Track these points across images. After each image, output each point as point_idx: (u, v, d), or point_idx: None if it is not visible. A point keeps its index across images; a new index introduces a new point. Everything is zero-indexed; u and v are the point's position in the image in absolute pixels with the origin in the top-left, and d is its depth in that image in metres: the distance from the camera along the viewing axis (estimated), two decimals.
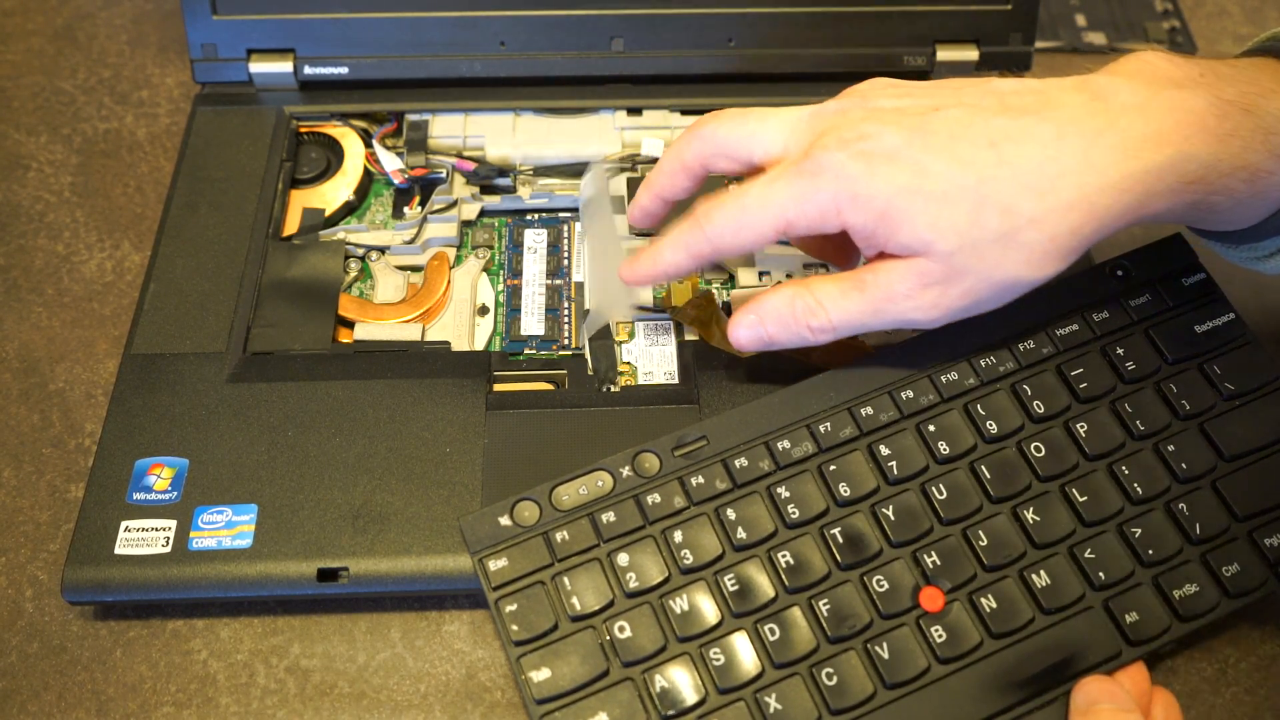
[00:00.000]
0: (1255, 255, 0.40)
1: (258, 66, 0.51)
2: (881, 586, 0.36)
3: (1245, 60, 0.38)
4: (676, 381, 0.43)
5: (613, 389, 0.43)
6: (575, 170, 0.50)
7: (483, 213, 0.49)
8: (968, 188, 0.35)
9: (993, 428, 0.39)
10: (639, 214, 0.43)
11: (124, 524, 0.39)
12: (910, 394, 0.40)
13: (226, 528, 0.39)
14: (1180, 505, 0.38)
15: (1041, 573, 0.37)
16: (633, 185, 0.49)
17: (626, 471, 0.38)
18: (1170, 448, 0.39)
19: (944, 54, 0.52)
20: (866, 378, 0.40)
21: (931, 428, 0.39)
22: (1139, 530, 0.38)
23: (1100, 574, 0.37)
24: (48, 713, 0.38)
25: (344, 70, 0.51)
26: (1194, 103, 0.35)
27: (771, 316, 0.38)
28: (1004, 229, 0.35)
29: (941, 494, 0.38)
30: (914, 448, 0.39)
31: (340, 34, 0.51)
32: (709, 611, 0.36)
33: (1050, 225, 0.35)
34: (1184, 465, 0.39)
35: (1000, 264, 0.35)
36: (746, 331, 0.39)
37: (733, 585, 0.36)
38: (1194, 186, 0.36)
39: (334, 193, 0.49)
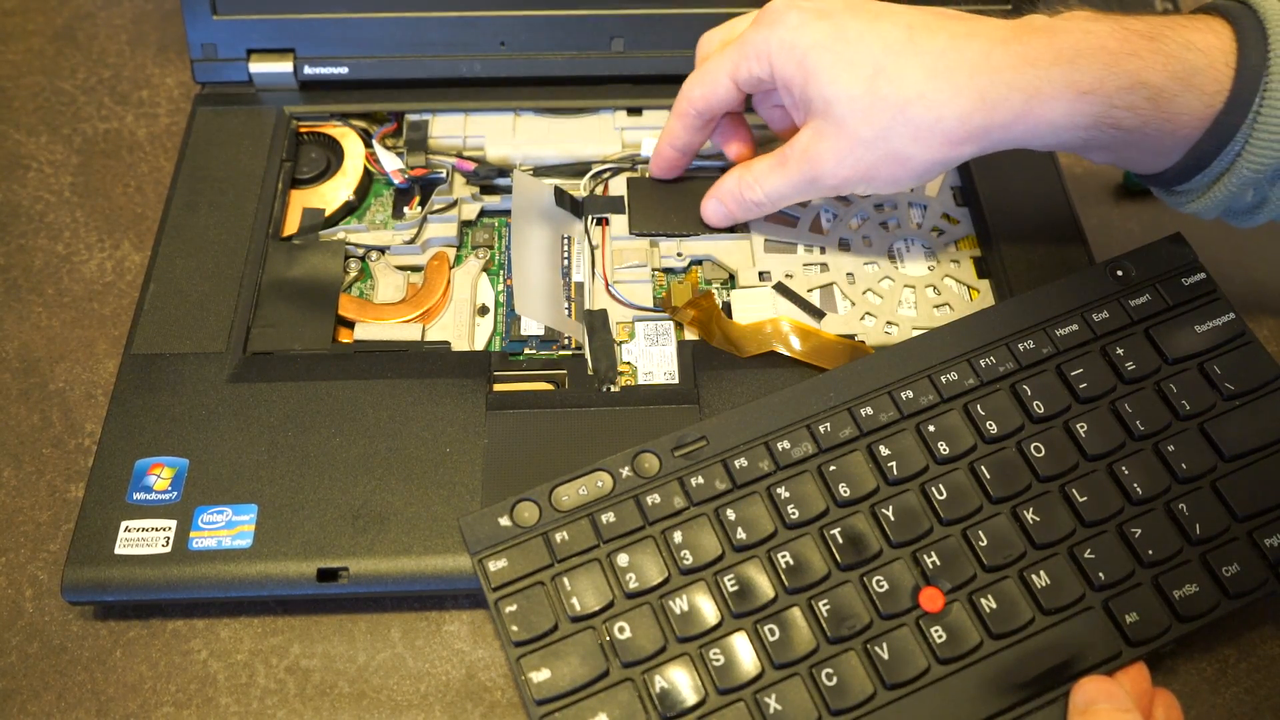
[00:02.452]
0: (1187, 198, 0.41)
1: (258, 66, 0.51)
2: (881, 587, 0.36)
3: (1182, 15, 0.40)
4: (676, 381, 0.43)
5: (613, 389, 0.43)
6: (575, 170, 0.50)
7: (483, 213, 0.49)
8: (873, 56, 0.39)
9: (993, 428, 0.39)
10: (657, 164, 0.49)
11: (124, 524, 0.39)
12: (910, 394, 0.40)
13: (226, 528, 0.39)
14: (1180, 505, 0.38)
15: (1041, 573, 0.37)
16: (559, 193, 0.49)
17: (626, 472, 0.38)
18: (1170, 448, 0.39)
19: None
20: (866, 378, 0.40)
21: (931, 428, 0.39)
22: (1139, 530, 0.38)
23: (1100, 574, 0.37)
24: (48, 713, 0.38)
25: (344, 70, 0.51)
26: (1098, 27, 0.39)
27: (725, 193, 0.46)
28: (895, 100, 0.39)
29: (941, 494, 0.38)
30: (914, 448, 0.39)
31: (340, 34, 0.51)
32: (709, 612, 0.36)
33: (938, 106, 0.39)
34: (1184, 465, 0.39)
35: (889, 134, 0.40)
36: (713, 208, 0.46)
37: (732, 586, 0.36)
38: (1088, 97, 0.38)
39: (334, 193, 0.49)
